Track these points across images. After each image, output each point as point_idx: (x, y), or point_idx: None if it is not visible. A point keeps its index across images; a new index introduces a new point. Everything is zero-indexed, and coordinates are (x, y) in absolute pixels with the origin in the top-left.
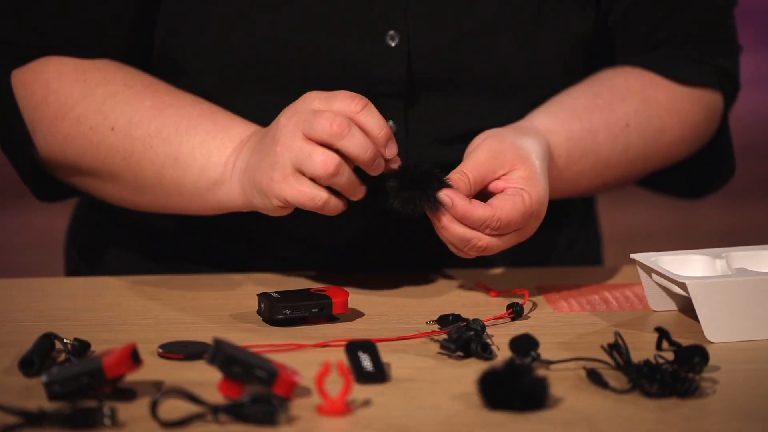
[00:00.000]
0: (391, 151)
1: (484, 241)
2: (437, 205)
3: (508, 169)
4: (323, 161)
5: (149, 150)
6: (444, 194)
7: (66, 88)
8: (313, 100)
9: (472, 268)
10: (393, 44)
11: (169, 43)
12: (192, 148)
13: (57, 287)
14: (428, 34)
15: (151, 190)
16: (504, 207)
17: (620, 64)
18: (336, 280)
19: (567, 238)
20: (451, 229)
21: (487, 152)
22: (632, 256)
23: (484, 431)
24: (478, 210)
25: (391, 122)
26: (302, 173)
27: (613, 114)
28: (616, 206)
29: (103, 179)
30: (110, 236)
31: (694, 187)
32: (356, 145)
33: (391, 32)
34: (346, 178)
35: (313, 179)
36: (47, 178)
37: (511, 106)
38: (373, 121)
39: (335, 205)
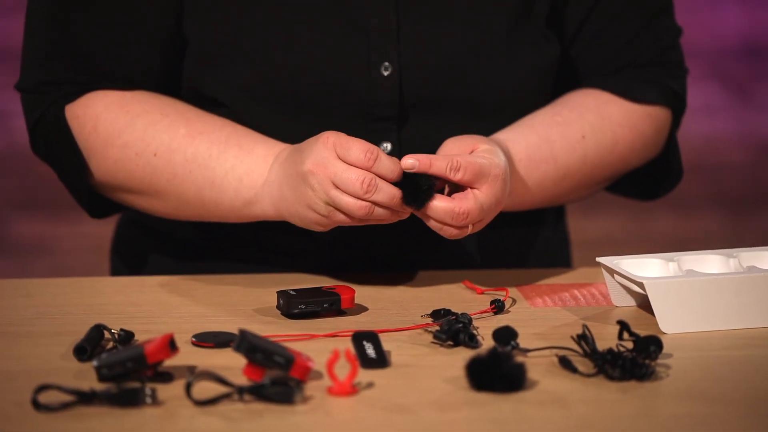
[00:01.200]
0: (408, 164)
1: (463, 206)
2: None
3: (472, 149)
4: (358, 208)
5: (189, 174)
6: (407, 160)
7: (112, 119)
8: (332, 148)
9: (460, 269)
10: (386, 74)
11: (196, 76)
12: (225, 173)
13: (105, 285)
14: (416, 64)
15: (193, 206)
16: (461, 158)
17: (583, 86)
18: (344, 280)
19: (541, 238)
20: (435, 208)
21: (451, 142)
22: (597, 259)
23: (470, 409)
24: (439, 157)
25: (387, 144)
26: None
27: (570, 128)
28: (584, 216)
29: (151, 197)
30: (146, 246)
31: (649, 190)
32: (384, 196)
33: (386, 63)
34: (380, 212)
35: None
36: (98, 198)
37: (490, 125)
38: (387, 168)
39: (380, 214)
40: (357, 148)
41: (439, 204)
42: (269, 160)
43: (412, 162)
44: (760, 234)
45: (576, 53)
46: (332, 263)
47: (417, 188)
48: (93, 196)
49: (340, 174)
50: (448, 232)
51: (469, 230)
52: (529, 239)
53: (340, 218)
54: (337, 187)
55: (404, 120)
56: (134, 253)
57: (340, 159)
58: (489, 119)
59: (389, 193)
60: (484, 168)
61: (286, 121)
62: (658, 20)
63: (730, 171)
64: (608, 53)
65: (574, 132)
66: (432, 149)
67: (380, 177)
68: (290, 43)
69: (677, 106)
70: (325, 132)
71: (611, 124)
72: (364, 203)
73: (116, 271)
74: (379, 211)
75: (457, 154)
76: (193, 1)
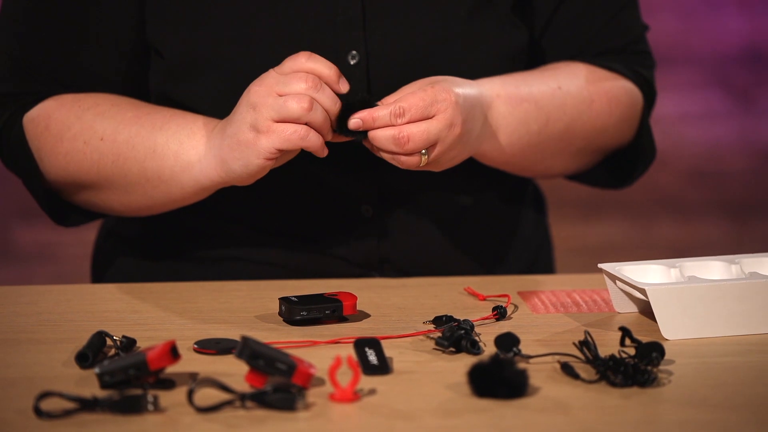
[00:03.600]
0: (344, 86)
1: (404, 130)
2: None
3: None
4: (298, 100)
5: (131, 150)
6: (352, 120)
7: (63, 115)
8: (272, 72)
9: (463, 275)
10: (353, 62)
11: (163, 82)
12: (166, 139)
13: (107, 292)
14: (383, 52)
15: (139, 186)
16: (405, 97)
17: None
18: (345, 286)
19: (520, 236)
20: (377, 136)
21: (400, 90)
22: (599, 265)
23: (473, 415)
24: (380, 108)
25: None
26: (281, 121)
27: (546, 79)
28: (585, 223)
29: (100, 188)
30: (120, 259)
31: (623, 175)
32: (327, 97)
33: (353, 52)
34: (320, 113)
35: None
36: (61, 203)
37: None
38: (326, 65)
39: (315, 138)
40: (294, 55)
41: (380, 132)
42: (211, 126)
43: (356, 122)
44: (761, 240)
45: (547, 44)
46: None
47: (343, 113)
48: (55, 200)
49: (282, 77)
50: (399, 161)
51: (424, 161)
52: (507, 236)
53: (282, 130)
54: (281, 93)
55: None
56: (108, 265)
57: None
58: None
59: (330, 95)
60: (427, 99)
61: None
62: (625, 14)
63: (731, 177)
64: (578, 43)
65: (551, 82)
66: None
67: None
68: (256, 40)
69: (648, 93)
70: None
71: (586, 84)
72: (306, 96)
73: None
74: (317, 115)
75: (401, 97)
76: (155, 9)
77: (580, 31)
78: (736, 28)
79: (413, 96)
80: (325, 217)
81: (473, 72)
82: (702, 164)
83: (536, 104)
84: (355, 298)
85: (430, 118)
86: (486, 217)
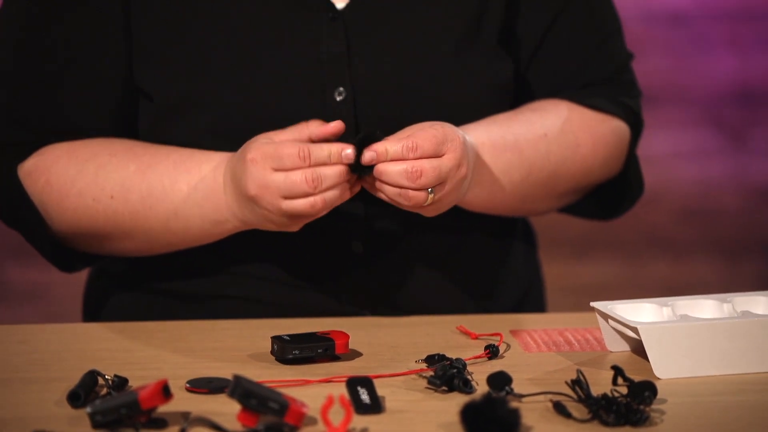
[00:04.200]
0: (348, 156)
1: (416, 164)
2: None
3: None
4: (311, 206)
5: (149, 210)
6: (367, 154)
7: (63, 169)
8: (263, 165)
9: (454, 314)
10: (339, 99)
11: (152, 122)
12: (183, 203)
13: (98, 331)
14: (369, 88)
15: (163, 237)
16: (415, 133)
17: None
18: (338, 325)
19: (510, 271)
20: (387, 170)
21: (408, 128)
22: (592, 304)
23: None
24: (393, 141)
25: None
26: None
27: (532, 125)
28: (577, 262)
29: (119, 239)
30: (112, 297)
31: (610, 207)
32: (331, 179)
33: (339, 89)
34: (332, 196)
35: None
36: (66, 252)
37: None
38: (325, 156)
39: (333, 197)
40: (288, 154)
41: (391, 166)
42: (218, 180)
43: (371, 155)
44: (753, 279)
45: (532, 76)
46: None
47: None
48: (60, 250)
49: (282, 184)
50: (407, 196)
51: (430, 199)
52: (498, 272)
53: (304, 218)
54: (286, 197)
55: None
56: (101, 306)
57: (276, 170)
58: None
59: (335, 174)
60: (438, 137)
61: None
62: (610, 43)
63: (724, 216)
64: (564, 75)
65: (537, 129)
66: None
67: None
68: (243, 81)
69: (635, 124)
70: (248, 149)
71: (572, 128)
72: (316, 199)
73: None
74: (331, 194)
75: (412, 133)
76: (142, 53)
77: (566, 62)
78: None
79: (425, 132)
80: (315, 255)
81: (460, 105)
82: (694, 203)
83: (520, 153)
84: (347, 336)
85: (441, 156)
86: (476, 253)
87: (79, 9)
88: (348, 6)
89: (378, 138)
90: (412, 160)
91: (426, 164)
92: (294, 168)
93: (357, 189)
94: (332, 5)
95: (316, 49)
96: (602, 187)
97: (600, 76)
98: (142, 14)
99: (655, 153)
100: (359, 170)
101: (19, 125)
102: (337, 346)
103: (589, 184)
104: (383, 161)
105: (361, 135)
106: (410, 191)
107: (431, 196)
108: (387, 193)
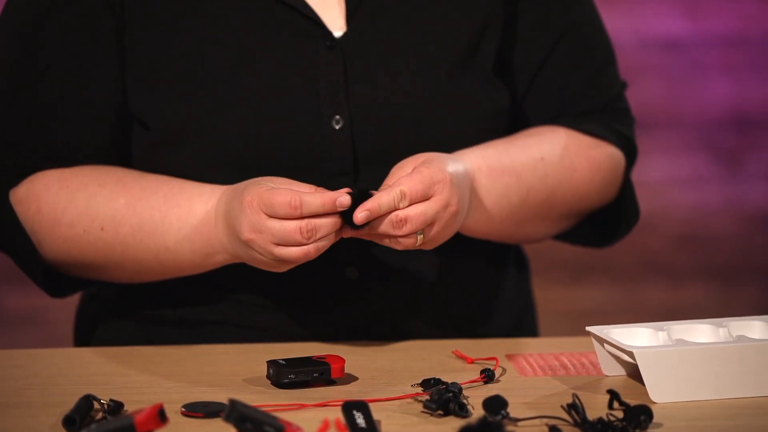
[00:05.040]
0: (343, 203)
1: (401, 213)
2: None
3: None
4: (305, 254)
5: (140, 243)
6: (360, 214)
7: (53, 198)
8: (258, 210)
9: (451, 338)
10: (338, 127)
11: (146, 150)
12: (174, 238)
13: (94, 356)
14: (366, 116)
15: (153, 269)
16: (403, 180)
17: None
18: (334, 349)
19: (502, 300)
20: (377, 224)
21: (395, 169)
22: (587, 328)
23: None
24: (383, 195)
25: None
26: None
27: (529, 149)
28: (572, 287)
29: (110, 269)
30: (103, 322)
31: (605, 235)
32: (324, 231)
33: (336, 117)
34: (324, 243)
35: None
36: (57, 277)
37: None
38: (316, 208)
39: (325, 245)
40: (280, 202)
41: (378, 223)
42: (210, 215)
43: (365, 215)
44: (748, 304)
45: (528, 106)
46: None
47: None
48: (51, 275)
49: (277, 233)
50: (396, 242)
51: (420, 240)
52: (491, 298)
53: (293, 264)
54: (279, 244)
55: (358, 173)
56: (92, 329)
57: (270, 217)
58: None
59: (328, 225)
60: (425, 181)
61: (239, 180)
62: (604, 73)
63: (719, 241)
64: (559, 105)
65: (533, 152)
66: None
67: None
68: (240, 110)
69: (630, 151)
70: (246, 191)
71: (568, 152)
72: (309, 248)
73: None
74: (323, 242)
75: (399, 180)
76: (137, 81)
77: (561, 93)
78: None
79: (410, 179)
80: (310, 280)
81: (455, 133)
82: (689, 228)
83: (517, 177)
84: (343, 361)
85: (430, 197)
86: (469, 279)
87: (73, 35)
88: (345, 34)
89: (369, 195)
90: (399, 211)
91: (410, 212)
92: (285, 217)
93: (348, 233)
94: (329, 33)
95: (314, 77)
96: (597, 214)
97: (594, 106)
98: (137, 42)
99: (651, 178)
100: (351, 222)
101: (11, 150)
102: (333, 370)
103: (584, 209)
104: (377, 215)
105: (354, 192)
106: (399, 237)
107: (420, 237)
108: (377, 240)
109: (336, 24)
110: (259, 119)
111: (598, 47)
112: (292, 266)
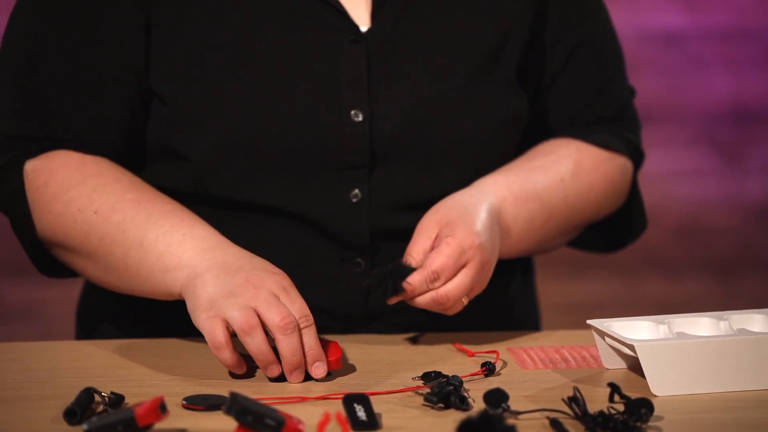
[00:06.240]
0: (318, 372)
1: (441, 291)
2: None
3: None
4: (245, 316)
5: (121, 234)
6: (392, 301)
7: (65, 176)
8: (279, 284)
9: (452, 332)
10: (357, 120)
11: (163, 130)
12: (156, 236)
13: (94, 349)
14: (386, 111)
15: (117, 271)
16: (432, 258)
17: (554, 137)
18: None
19: (508, 296)
20: (418, 303)
21: (424, 235)
22: (588, 321)
23: None
24: (416, 276)
25: (357, 190)
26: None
27: (549, 171)
28: (572, 280)
29: (82, 257)
30: (105, 313)
31: (613, 241)
32: (285, 347)
33: (356, 110)
34: (256, 343)
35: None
36: (47, 257)
37: (457, 175)
38: (296, 348)
39: (227, 357)
40: (281, 312)
41: (419, 299)
42: (208, 242)
43: (397, 300)
44: (748, 298)
45: (541, 111)
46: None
47: (382, 289)
48: (42, 252)
49: (268, 304)
50: (446, 314)
51: (466, 301)
52: (494, 295)
53: (228, 326)
54: (243, 328)
55: (374, 168)
56: (95, 321)
57: (277, 304)
58: (456, 167)
59: (269, 367)
60: (455, 254)
61: (254, 172)
62: (616, 81)
63: (718, 234)
64: (571, 113)
65: (554, 175)
66: (401, 198)
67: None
68: (261, 97)
69: (636, 156)
70: (275, 267)
71: (585, 171)
72: (234, 355)
73: (79, 336)
74: (253, 347)
75: (430, 259)
76: (160, 57)
77: (575, 101)
78: (723, 85)
79: (440, 255)
80: (315, 270)
81: (471, 135)
82: (688, 222)
83: (540, 201)
84: (339, 352)
85: (463, 266)
86: None
87: (104, 12)
88: (370, 29)
89: (402, 267)
90: (437, 292)
91: (450, 288)
92: (278, 316)
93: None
94: (356, 27)
95: (336, 69)
96: (606, 220)
97: (606, 114)
98: (164, 27)
99: (650, 172)
100: (379, 298)
101: (33, 123)
102: (330, 364)
103: (595, 219)
104: (411, 297)
105: (388, 268)
106: (448, 310)
107: (466, 299)
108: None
109: (361, 20)
110: (279, 108)
111: (611, 56)
112: (216, 331)
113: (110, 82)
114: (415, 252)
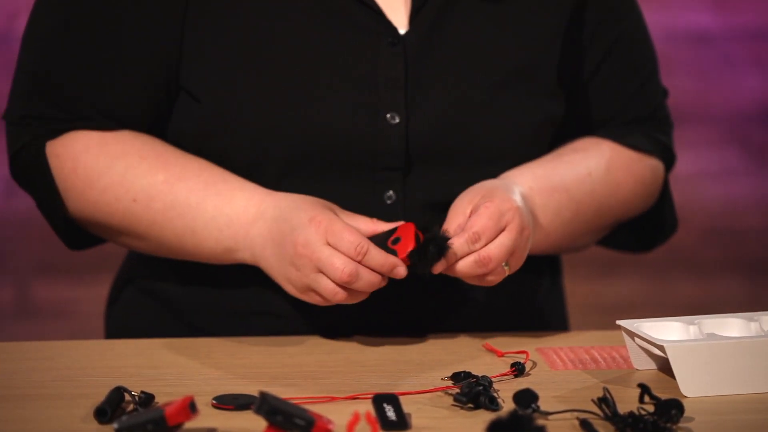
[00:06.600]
0: (400, 274)
1: (483, 252)
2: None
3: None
4: (330, 291)
5: (168, 222)
6: (437, 268)
7: (92, 161)
8: (323, 234)
9: (481, 332)
10: (394, 122)
11: (203, 136)
12: (205, 224)
13: (125, 348)
14: (423, 115)
15: (174, 250)
16: (472, 221)
17: (584, 136)
18: (364, 340)
19: (537, 298)
20: (458, 269)
21: (458, 206)
22: (618, 322)
23: None
24: (457, 239)
25: (391, 192)
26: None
27: (577, 165)
28: (602, 281)
29: (131, 238)
30: (138, 309)
31: (643, 241)
32: (364, 284)
33: (393, 113)
34: (363, 284)
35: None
36: (77, 230)
37: (490, 177)
38: (376, 263)
39: (352, 299)
40: (348, 240)
41: (461, 263)
42: (250, 212)
43: (442, 265)
44: None
45: (578, 109)
46: (346, 327)
47: (424, 256)
48: (72, 227)
49: (325, 260)
50: (486, 280)
51: (507, 270)
52: (522, 296)
53: (315, 299)
54: (320, 271)
55: (409, 170)
56: (126, 317)
57: (328, 244)
58: (490, 169)
59: (370, 282)
60: (494, 216)
61: (289, 171)
62: (650, 82)
63: (749, 235)
64: (605, 115)
65: (581, 169)
66: (435, 200)
67: (372, 268)
68: (296, 97)
69: (668, 158)
70: (317, 210)
71: (614, 167)
72: (339, 291)
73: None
74: (353, 297)
75: (470, 222)
76: (197, 58)
77: (609, 102)
78: (753, 86)
79: (481, 217)
80: None
81: (507, 139)
82: (719, 222)
83: (567, 193)
84: (410, 242)
85: (503, 230)
86: (504, 287)
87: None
88: (409, 32)
89: (440, 236)
90: (479, 253)
91: (493, 249)
92: (345, 254)
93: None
94: (394, 30)
95: (374, 71)
96: (636, 220)
97: (639, 116)
98: (203, 26)
99: (681, 172)
100: (422, 268)
101: (53, 102)
102: (405, 260)
103: (625, 219)
104: (453, 263)
105: (428, 236)
106: (488, 276)
107: (507, 268)
108: (466, 280)
109: (399, 22)
110: (315, 108)
111: (646, 57)
112: (312, 299)
113: (135, 68)
114: (452, 229)
